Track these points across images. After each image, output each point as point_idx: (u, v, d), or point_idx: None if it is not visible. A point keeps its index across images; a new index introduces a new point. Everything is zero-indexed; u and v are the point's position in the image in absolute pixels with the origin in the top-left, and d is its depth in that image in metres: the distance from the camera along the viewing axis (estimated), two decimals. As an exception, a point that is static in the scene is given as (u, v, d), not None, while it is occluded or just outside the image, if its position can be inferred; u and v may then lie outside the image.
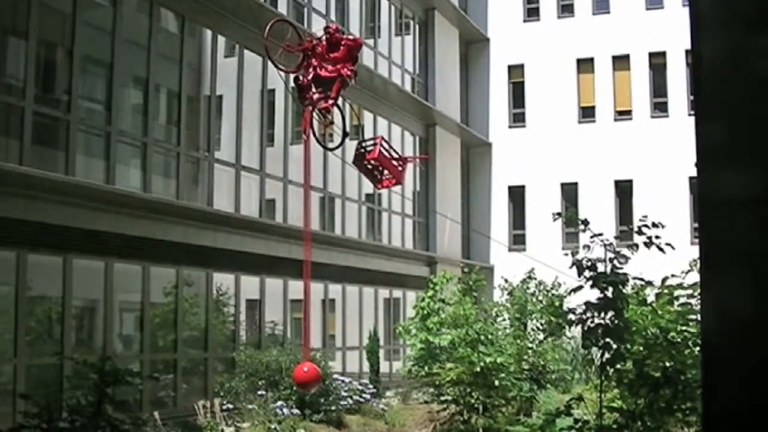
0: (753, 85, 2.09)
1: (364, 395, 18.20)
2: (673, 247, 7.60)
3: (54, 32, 14.68)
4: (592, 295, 7.68)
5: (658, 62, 29.51)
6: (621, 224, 27.48)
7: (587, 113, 30.54)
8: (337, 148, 13.23)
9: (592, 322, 7.65)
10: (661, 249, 7.66)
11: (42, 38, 14.07)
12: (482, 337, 16.77)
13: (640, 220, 7.92)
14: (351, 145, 13.48)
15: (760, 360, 2.02)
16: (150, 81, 16.18)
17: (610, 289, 7.55)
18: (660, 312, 7.90)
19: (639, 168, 28.82)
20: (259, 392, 15.90)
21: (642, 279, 7.94)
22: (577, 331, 8.30)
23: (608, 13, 30.42)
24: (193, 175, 17.71)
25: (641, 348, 7.75)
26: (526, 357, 18.52)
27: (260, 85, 19.63)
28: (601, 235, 7.73)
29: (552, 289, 22.35)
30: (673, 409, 7.39)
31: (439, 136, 28.08)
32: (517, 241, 30.60)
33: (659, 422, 7.45)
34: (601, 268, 7.68)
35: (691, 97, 25.94)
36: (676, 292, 7.97)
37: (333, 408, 16.67)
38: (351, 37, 11.89)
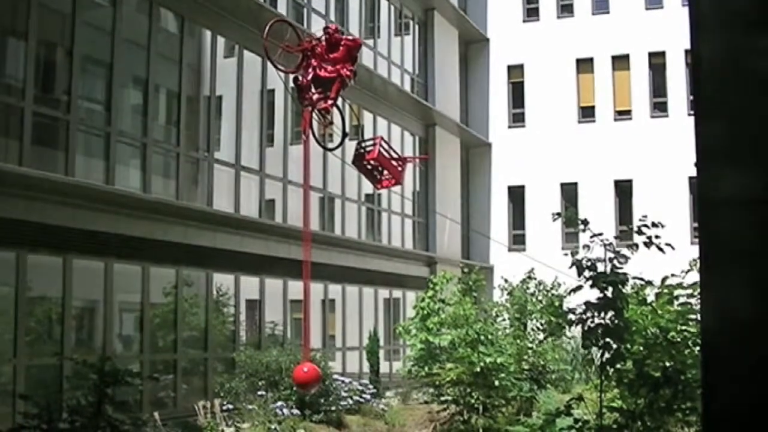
0: (753, 85, 2.08)
1: (364, 395, 18.19)
2: (673, 247, 7.60)
3: (54, 32, 14.67)
4: (592, 295, 7.69)
5: (657, 62, 29.50)
6: (621, 224, 27.46)
7: (587, 113, 30.53)
8: (336, 148, 13.25)
9: (592, 322, 7.65)
10: (660, 249, 7.66)
11: (42, 38, 14.06)
12: (482, 337, 16.77)
13: (640, 220, 7.92)
14: (351, 146, 13.50)
15: (760, 360, 2.02)
16: (150, 81, 16.18)
17: (610, 289, 7.56)
18: (660, 312, 7.90)
19: (639, 168, 28.82)
20: (259, 392, 15.88)
21: (642, 279, 7.94)
22: (577, 331, 8.31)
23: (608, 13, 30.42)
24: (192, 175, 17.70)
25: (641, 348, 7.76)
26: (526, 357, 18.52)
27: (260, 86, 19.62)
28: (600, 235, 7.74)
29: (552, 289, 22.34)
30: (673, 409, 7.39)
31: (439, 136, 28.07)
32: (517, 241, 30.60)
33: (659, 422, 7.45)
34: (600, 268, 7.69)
35: (691, 97, 25.91)
36: (676, 292, 7.98)
37: (333, 408, 16.66)
38: (350, 37, 11.90)
